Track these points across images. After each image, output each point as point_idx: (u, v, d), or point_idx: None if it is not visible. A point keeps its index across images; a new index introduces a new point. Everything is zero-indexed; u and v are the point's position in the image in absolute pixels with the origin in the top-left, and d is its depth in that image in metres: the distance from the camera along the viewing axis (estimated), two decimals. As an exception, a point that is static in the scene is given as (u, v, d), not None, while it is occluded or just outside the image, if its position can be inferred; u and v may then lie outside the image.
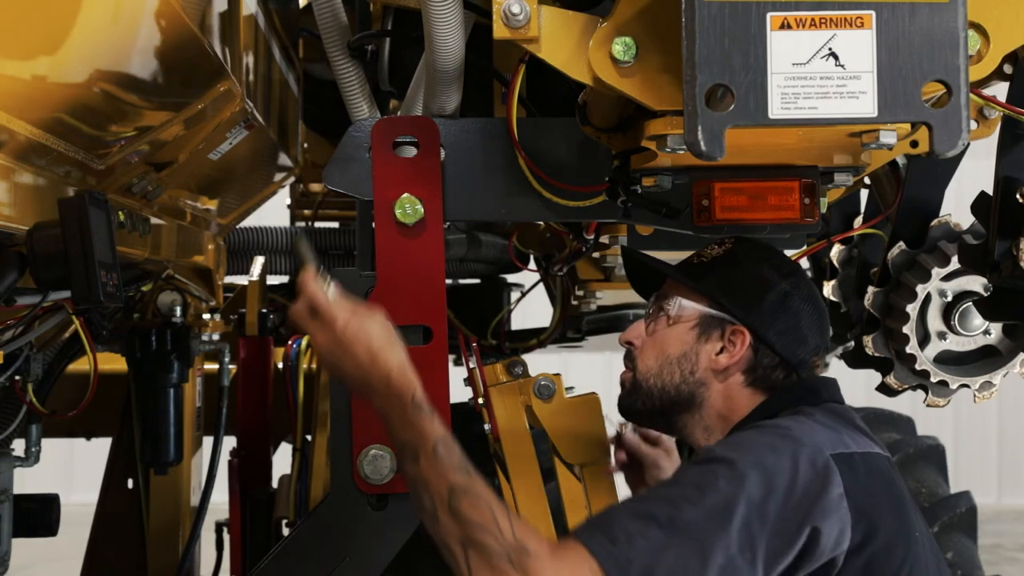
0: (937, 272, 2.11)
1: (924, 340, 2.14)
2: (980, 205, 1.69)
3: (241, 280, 3.92)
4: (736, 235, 1.95)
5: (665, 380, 1.94)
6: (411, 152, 1.88)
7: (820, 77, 1.30)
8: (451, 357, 2.24)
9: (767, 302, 1.89)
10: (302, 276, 1.66)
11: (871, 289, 2.19)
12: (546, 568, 1.54)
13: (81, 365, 2.30)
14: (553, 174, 1.86)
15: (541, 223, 3.10)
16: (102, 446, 3.59)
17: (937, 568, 1.79)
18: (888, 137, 1.39)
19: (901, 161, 2.15)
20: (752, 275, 1.91)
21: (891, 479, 1.77)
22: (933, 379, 2.15)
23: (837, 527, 1.65)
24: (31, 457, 2.38)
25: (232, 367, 3.33)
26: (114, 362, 2.98)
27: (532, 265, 3.61)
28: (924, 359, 2.14)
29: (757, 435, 1.75)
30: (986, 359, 2.17)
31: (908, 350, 2.13)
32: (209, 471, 3.18)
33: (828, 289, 2.59)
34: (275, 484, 3.47)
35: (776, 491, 1.63)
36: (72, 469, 8.56)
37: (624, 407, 2.04)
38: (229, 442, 3.45)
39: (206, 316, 3.36)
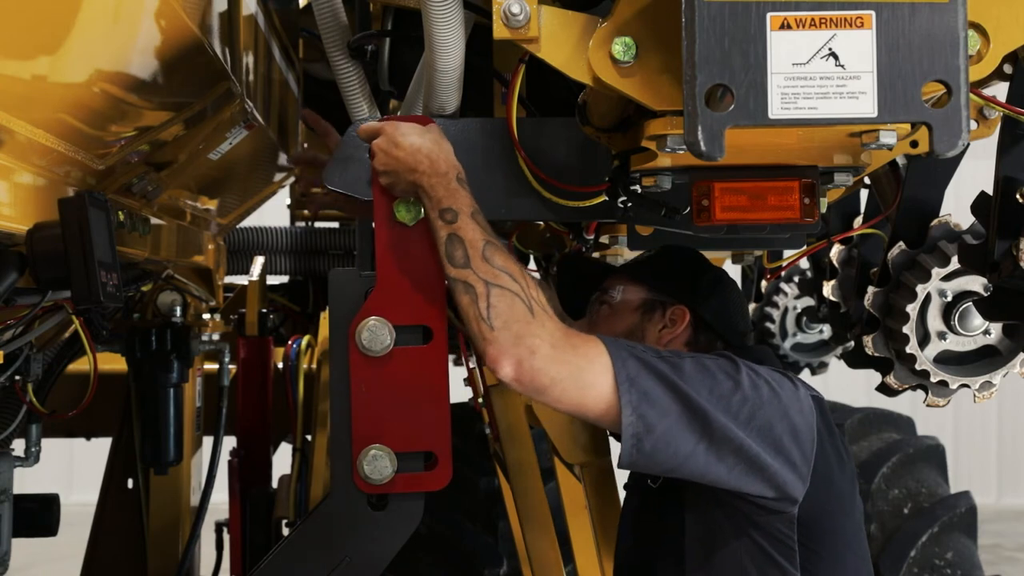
0: (937, 272, 2.11)
1: (924, 340, 2.14)
2: (980, 205, 1.69)
3: (241, 280, 3.92)
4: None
5: None
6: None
7: (820, 77, 1.30)
8: (451, 357, 2.25)
9: (701, 284, 2.07)
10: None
11: (871, 289, 2.19)
12: (557, 329, 1.68)
13: (81, 365, 2.30)
14: (553, 174, 1.86)
15: (541, 223, 3.10)
16: (102, 446, 3.59)
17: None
18: (888, 137, 1.39)
19: (901, 161, 2.15)
20: (685, 264, 2.12)
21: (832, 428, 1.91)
22: (933, 379, 2.15)
23: (808, 463, 1.77)
24: (31, 457, 2.38)
25: (232, 367, 3.33)
26: (114, 362, 2.98)
27: (532, 265, 3.61)
28: (924, 359, 2.14)
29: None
30: (986, 359, 2.17)
31: (908, 350, 2.13)
32: (209, 471, 3.18)
33: (828, 289, 2.59)
34: (275, 484, 3.48)
35: (783, 391, 1.78)
36: (72, 469, 8.56)
37: None
38: (229, 442, 3.46)
39: (206, 316, 3.36)
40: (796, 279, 3.93)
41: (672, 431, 1.69)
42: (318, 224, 4.76)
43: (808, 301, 3.87)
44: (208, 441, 3.42)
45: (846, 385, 5.85)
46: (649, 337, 2.05)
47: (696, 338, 2.07)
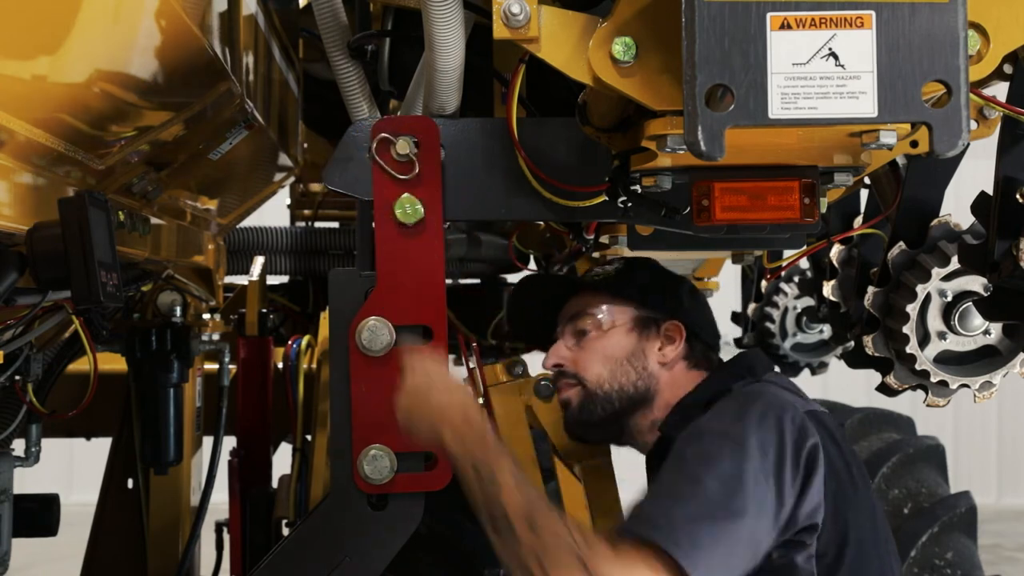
0: (937, 272, 2.11)
1: (924, 340, 2.14)
2: (980, 205, 1.69)
3: (241, 280, 3.92)
4: (619, 259, 2.16)
5: (621, 381, 2.07)
6: (411, 152, 1.88)
7: (820, 77, 1.30)
8: (451, 357, 2.25)
9: (683, 297, 2.09)
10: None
11: (871, 289, 2.19)
12: (614, 566, 1.61)
13: (81, 365, 2.30)
14: (553, 174, 1.86)
15: (541, 223, 3.10)
16: (102, 446, 3.59)
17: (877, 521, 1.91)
18: (888, 137, 1.39)
19: (901, 161, 2.15)
20: (659, 277, 2.12)
21: (839, 433, 1.92)
22: (933, 379, 2.15)
23: (819, 476, 1.78)
24: (31, 457, 2.37)
25: (232, 367, 3.33)
26: (114, 362, 2.97)
27: (532, 265, 3.61)
28: (924, 359, 2.14)
29: (737, 404, 1.87)
30: (986, 359, 2.17)
31: (908, 350, 2.13)
32: (209, 471, 3.18)
33: (828, 289, 2.59)
34: (275, 484, 3.48)
35: (772, 447, 1.76)
36: (72, 469, 8.56)
37: (580, 420, 2.13)
38: (229, 442, 3.45)
39: (206, 316, 3.36)
40: (796, 279, 3.93)
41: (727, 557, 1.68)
42: (318, 224, 4.76)
43: (808, 301, 3.86)
44: (208, 441, 3.42)
45: (846, 385, 5.85)
46: (651, 356, 2.05)
47: (692, 351, 2.08)
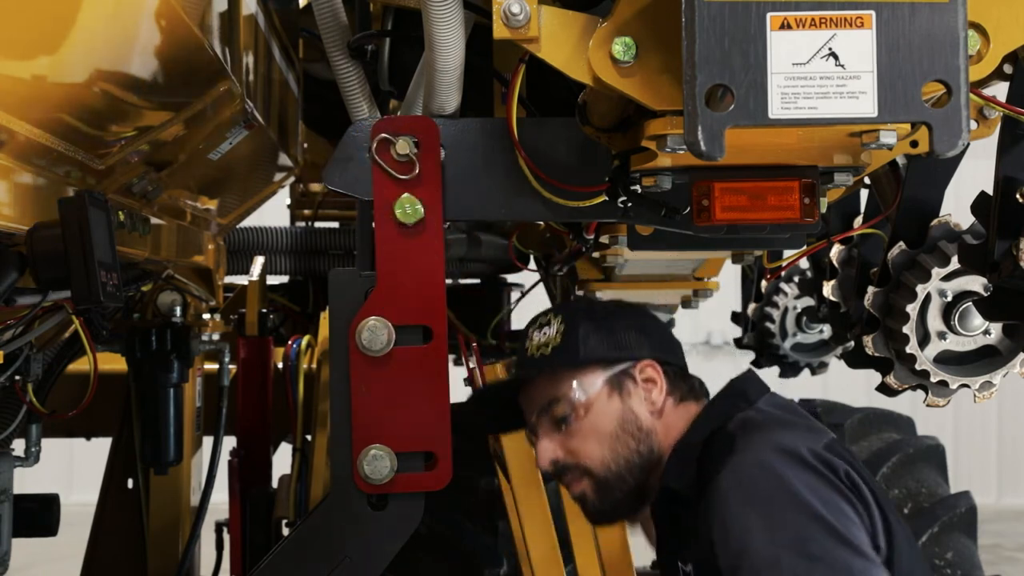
0: (937, 272, 2.11)
1: (924, 340, 2.14)
2: (980, 205, 1.69)
3: (241, 280, 3.92)
4: (545, 313, 1.99)
5: (624, 454, 1.94)
6: (411, 152, 1.88)
7: (820, 77, 1.30)
8: (451, 357, 2.25)
9: (636, 329, 1.94)
10: None
11: (871, 289, 2.19)
12: None
13: (81, 365, 2.30)
14: (553, 174, 1.86)
15: (541, 223, 3.10)
16: (102, 446, 3.59)
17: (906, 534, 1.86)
18: (888, 137, 1.39)
19: (901, 161, 2.15)
20: (604, 320, 1.95)
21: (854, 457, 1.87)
22: (933, 379, 2.15)
23: (867, 493, 1.74)
24: (31, 457, 2.38)
25: (232, 367, 3.33)
26: (114, 362, 2.97)
27: (532, 265, 3.61)
28: (924, 359, 2.14)
29: (763, 469, 1.74)
30: (986, 359, 2.17)
31: (908, 350, 2.13)
32: (209, 471, 3.18)
33: (828, 289, 2.59)
34: (275, 484, 3.48)
35: (824, 487, 1.69)
36: (72, 469, 8.56)
37: (603, 510, 2.00)
38: (229, 442, 3.45)
39: (206, 316, 3.36)
40: (796, 279, 3.93)
41: None
42: (318, 224, 4.76)
43: (808, 301, 3.86)
44: (208, 441, 3.42)
45: (846, 385, 5.85)
46: (640, 411, 1.93)
47: (674, 384, 1.97)
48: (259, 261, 3.90)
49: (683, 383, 1.98)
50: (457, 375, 2.36)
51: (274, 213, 4.85)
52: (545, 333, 1.98)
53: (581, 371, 1.92)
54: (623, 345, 1.93)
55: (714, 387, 2.10)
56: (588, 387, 1.92)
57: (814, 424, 1.93)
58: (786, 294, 3.97)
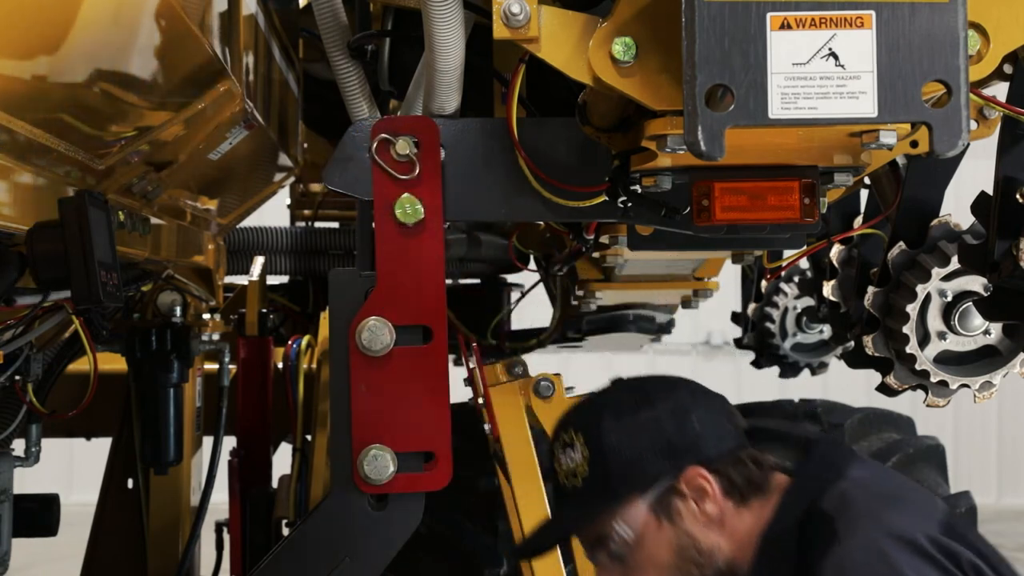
0: (937, 272, 2.11)
1: (924, 340, 2.14)
2: (980, 205, 1.69)
3: (241, 280, 3.92)
4: (566, 427, 1.79)
5: None
6: (411, 152, 1.88)
7: (820, 77, 1.30)
8: (451, 357, 2.24)
9: (674, 421, 1.71)
10: None
11: (871, 289, 2.19)
12: None
13: (81, 365, 2.30)
14: (553, 174, 1.86)
15: (541, 223, 3.10)
16: (102, 446, 3.59)
17: None
18: (888, 137, 1.39)
19: (901, 161, 2.15)
20: (631, 430, 1.71)
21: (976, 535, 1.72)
22: (933, 379, 2.15)
23: None
24: (31, 457, 2.38)
25: (232, 367, 3.33)
26: (114, 362, 2.98)
27: (532, 265, 3.61)
28: (924, 359, 2.14)
29: (876, 561, 1.56)
30: (986, 359, 2.17)
31: (908, 350, 2.13)
32: (209, 471, 3.18)
33: (828, 289, 2.59)
34: (275, 484, 3.48)
35: None
36: (72, 469, 8.55)
37: None
38: (229, 442, 3.45)
39: (206, 316, 3.36)
40: (796, 279, 3.93)
41: None
42: (318, 224, 4.76)
43: (808, 301, 3.87)
44: (208, 441, 3.42)
45: (846, 385, 5.85)
46: (695, 532, 1.70)
47: (731, 483, 1.70)
48: (259, 261, 3.90)
49: (741, 476, 1.71)
50: (457, 375, 2.36)
51: (274, 213, 4.84)
52: (571, 458, 1.76)
53: (620, 503, 1.71)
54: (662, 458, 1.69)
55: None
56: (632, 521, 1.71)
57: (924, 496, 1.76)
58: (786, 294, 3.97)
